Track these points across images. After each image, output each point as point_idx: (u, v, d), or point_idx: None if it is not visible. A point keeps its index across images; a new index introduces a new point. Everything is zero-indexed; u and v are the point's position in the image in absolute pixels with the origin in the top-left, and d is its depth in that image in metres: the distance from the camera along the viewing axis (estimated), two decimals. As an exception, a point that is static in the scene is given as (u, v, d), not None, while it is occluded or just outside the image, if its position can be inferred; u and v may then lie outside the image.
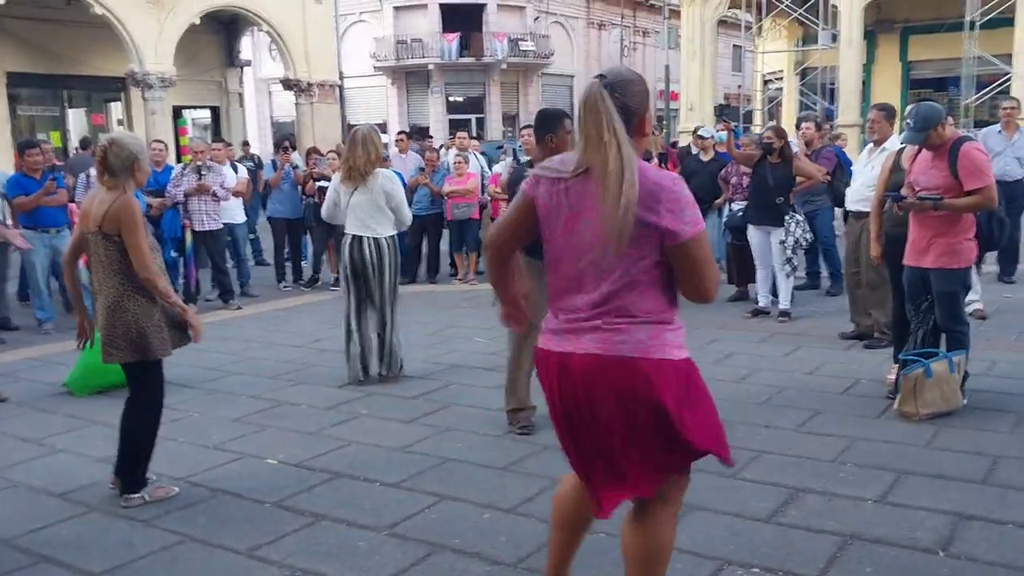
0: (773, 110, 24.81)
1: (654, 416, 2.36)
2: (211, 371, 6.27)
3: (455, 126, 27.79)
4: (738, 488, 3.85)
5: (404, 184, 7.75)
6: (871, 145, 6.29)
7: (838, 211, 8.23)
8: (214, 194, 8.80)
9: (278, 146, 10.93)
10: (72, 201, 8.47)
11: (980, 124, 16.14)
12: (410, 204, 6.74)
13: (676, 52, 27.09)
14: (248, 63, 26.85)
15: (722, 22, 23.88)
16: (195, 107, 23.99)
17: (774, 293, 7.59)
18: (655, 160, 9.07)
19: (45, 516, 3.84)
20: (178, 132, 17.91)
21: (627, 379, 2.34)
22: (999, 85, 17.90)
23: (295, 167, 10.30)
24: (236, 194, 9.50)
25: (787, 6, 20.80)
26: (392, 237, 5.89)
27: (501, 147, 16.25)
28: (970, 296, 5.70)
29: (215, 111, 24.40)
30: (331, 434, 4.86)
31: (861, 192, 6.22)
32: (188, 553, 3.45)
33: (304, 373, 6.25)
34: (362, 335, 5.86)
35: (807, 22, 21.11)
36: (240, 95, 25.24)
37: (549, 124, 4.36)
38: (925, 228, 4.84)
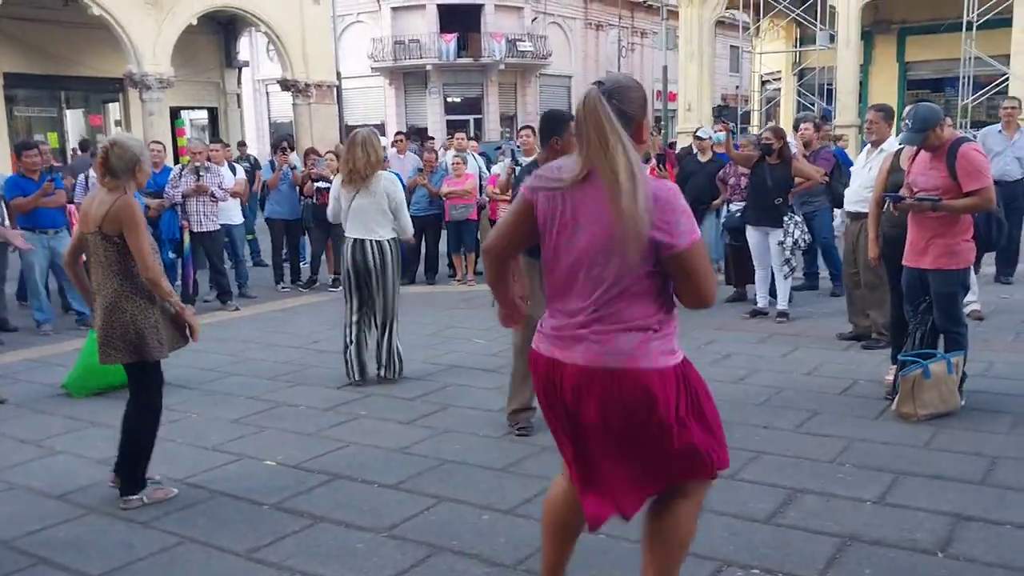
0: (771, 111, 24.83)
1: (641, 426, 2.37)
2: (209, 372, 6.27)
3: (453, 127, 27.76)
4: (737, 489, 3.86)
5: (403, 185, 7.75)
6: (869, 146, 6.30)
7: (838, 211, 8.24)
8: (212, 195, 8.81)
9: (276, 147, 10.94)
10: (71, 202, 8.47)
11: (977, 125, 16.14)
12: (408, 205, 6.74)
13: (674, 53, 27.08)
14: (246, 64, 26.82)
15: (720, 23, 23.88)
16: (193, 108, 23.93)
17: (772, 294, 7.61)
18: (653, 161, 9.07)
19: (44, 518, 3.83)
20: (176, 133, 17.91)
21: (615, 390, 2.34)
22: (996, 86, 17.90)
23: (293, 168, 10.29)
24: (234, 195, 9.52)
25: (785, 7, 20.80)
26: (394, 239, 5.87)
27: (499, 148, 16.23)
28: (968, 297, 5.70)
29: (213, 112, 24.34)
30: (330, 435, 4.86)
31: (859, 193, 6.22)
32: (187, 555, 3.45)
33: (302, 374, 6.24)
34: (363, 338, 5.86)
35: (805, 23, 21.11)
36: (238, 96, 25.18)
37: (555, 126, 4.33)
38: (923, 229, 4.84)
